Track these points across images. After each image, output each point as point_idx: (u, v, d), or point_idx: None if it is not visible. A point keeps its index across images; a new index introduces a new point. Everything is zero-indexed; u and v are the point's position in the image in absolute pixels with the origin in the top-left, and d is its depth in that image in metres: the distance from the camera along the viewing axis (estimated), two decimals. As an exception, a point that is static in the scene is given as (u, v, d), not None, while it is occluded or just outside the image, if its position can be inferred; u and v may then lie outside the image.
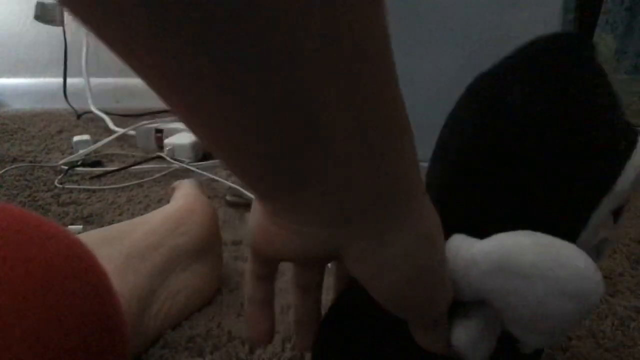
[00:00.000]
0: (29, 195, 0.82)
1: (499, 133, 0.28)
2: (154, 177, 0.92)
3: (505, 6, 0.94)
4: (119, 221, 0.71)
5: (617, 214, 0.29)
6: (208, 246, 0.53)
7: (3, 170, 0.92)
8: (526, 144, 0.27)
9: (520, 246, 0.25)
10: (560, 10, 0.91)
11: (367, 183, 0.21)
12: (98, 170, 0.94)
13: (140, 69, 0.17)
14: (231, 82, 0.16)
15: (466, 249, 0.26)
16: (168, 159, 0.97)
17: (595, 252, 0.29)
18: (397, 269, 0.23)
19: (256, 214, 0.26)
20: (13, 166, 0.95)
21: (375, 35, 0.18)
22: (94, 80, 1.39)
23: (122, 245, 0.45)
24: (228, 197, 0.80)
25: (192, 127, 0.19)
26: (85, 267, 0.32)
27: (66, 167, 0.94)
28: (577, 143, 0.27)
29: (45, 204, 0.79)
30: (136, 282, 0.43)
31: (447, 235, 0.27)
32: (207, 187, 0.86)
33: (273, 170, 0.20)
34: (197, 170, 0.91)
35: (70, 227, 0.70)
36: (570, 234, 0.27)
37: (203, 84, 0.16)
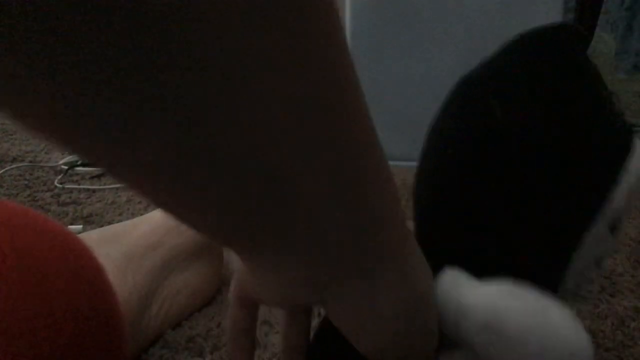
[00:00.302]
0: (29, 195, 0.82)
1: (486, 150, 0.27)
2: (154, 177, 0.91)
3: (505, 6, 0.94)
4: (118, 221, 0.71)
5: (614, 227, 0.28)
6: (208, 246, 0.53)
7: (3, 170, 0.92)
8: (512, 160, 0.26)
9: (509, 310, 0.24)
10: (561, 10, 0.91)
11: (346, 247, 0.19)
12: (98, 170, 0.94)
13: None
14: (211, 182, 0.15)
15: (456, 298, 0.25)
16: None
17: (595, 265, 0.29)
18: (382, 330, 0.22)
19: (241, 268, 0.25)
20: (13, 166, 0.95)
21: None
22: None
23: (122, 245, 0.45)
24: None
25: (148, 198, 0.17)
26: (81, 262, 0.32)
27: (66, 167, 0.94)
28: (566, 158, 0.26)
29: (45, 203, 0.79)
30: (136, 282, 0.43)
31: (436, 255, 0.26)
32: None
33: (243, 236, 0.19)
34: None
35: (70, 227, 0.70)
36: (563, 254, 0.27)
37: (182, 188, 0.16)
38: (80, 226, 0.71)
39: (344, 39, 0.16)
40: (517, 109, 0.26)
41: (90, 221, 0.74)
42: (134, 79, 0.12)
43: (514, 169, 0.26)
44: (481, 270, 0.27)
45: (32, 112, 0.13)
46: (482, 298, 0.25)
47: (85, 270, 0.31)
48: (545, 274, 0.28)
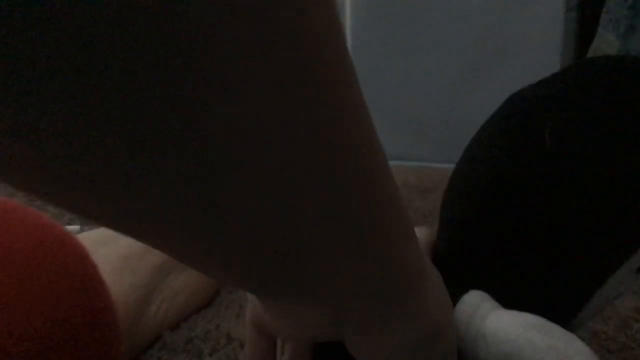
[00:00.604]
0: (28, 195, 0.82)
1: (530, 175, 0.26)
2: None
3: (505, 6, 0.94)
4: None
5: (638, 269, 0.28)
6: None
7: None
8: (553, 191, 0.26)
9: (532, 346, 0.24)
10: (562, 9, 0.90)
11: (367, 289, 0.19)
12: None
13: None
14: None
15: (479, 321, 0.25)
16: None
17: (613, 299, 0.29)
18: (401, 358, 0.22)
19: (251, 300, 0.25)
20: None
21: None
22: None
23: (120, 245, 0.45)
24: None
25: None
26: (72, 261, 0.31)
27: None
28: (609, 198, 0.25)
29: (43, 203, 0.79)
30: (134, 283, 0.43)
31: (460, 273, 0.26)
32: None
33: (256, 283, 0.19)
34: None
35: (68, 227, 0.70)
36: (587, 291, 0.27)
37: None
38: (78, 226, 0.71)
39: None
40: (568, 139, 0.25)
41: (88, 222, 0.73)
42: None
43: (554, 201, 0.26)
44: (504, 294, 0.26)
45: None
46: (507, 327, 0.25)
47: (77, 268, 0.31)
48: (565, 306, 0.28)
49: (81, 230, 0.69)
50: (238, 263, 0.16)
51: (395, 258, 0.19)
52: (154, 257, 0.47)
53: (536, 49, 0.91)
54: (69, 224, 0.72)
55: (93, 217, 0.14)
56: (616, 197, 0.25)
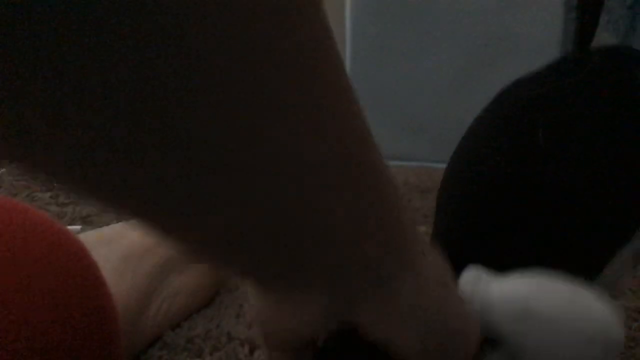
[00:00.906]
0: (28, 195, 0.82)
1: (523, 171, 0.26)
2: (154, 177, 0.91)
3: (505, 6, 0.94)
4: (117, 221, 0.71)
5: (638, 256, 0.28)
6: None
7: (1, 171, 0.92)
8: (545, 185, 0.26)
9: (538, 298, 0.24)
10: (562, 9, 0.90)
11: (366, 262, 0.19)
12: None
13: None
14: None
15: (483, 289, 0.25)
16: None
17: (610, 287, 0.29)
18: (412, 337, 0.22)
19: (255, 300, 0.24)
20: (12, 166, 0.94)
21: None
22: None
23: (121, 245, 0.45)
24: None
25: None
26: (73, 260, 0.31)
27: (65, 167, 0.94)
28: (601, 192, 0.26)
29: (44, 204, 0.79)
30: (134, 283, 0.43)
31: (458, 261, 0.26)
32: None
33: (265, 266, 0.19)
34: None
35: (68, 227, 0.70)
36: (586, 278, 0.27)
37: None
38: (79, 227, 0.71)
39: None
40: (561, 138, 0.26)
41: (88, 222, 0.73)
42: None
43: (546, 194, 0.26)
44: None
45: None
46: (510, 290, 0.25)
47: (77, 268, 0.31)
48: None
49: (82, 231, 0.69)
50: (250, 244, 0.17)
51: (397, 226, 0.20)
52: (155, 257, 0.47)
53: (536, 49, 0.91)
54: (70, 224, 0.72)
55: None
56: (609, 195, 0.26)
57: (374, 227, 0.19)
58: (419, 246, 0.22)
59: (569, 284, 0.25)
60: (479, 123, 0.29)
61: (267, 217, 0.15)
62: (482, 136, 0.29)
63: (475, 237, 0.28)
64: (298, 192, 0.15)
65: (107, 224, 0.69)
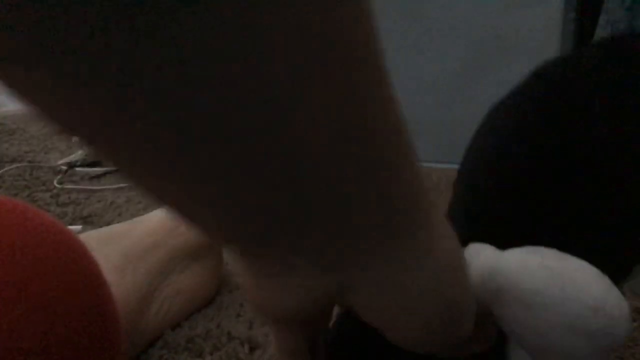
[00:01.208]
0: (28, 196, 0.82)
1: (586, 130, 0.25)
2: (154, 177, 0.91)
3: (505, 6, 0.94)
4: (118, 221, 0.71)
5: None
6: (208, 246, 0.53)
7: (2, 171, 0.92)
8: (572, 174, 0.25)
9: (526, 269, 0.22)
10: (562, 9, 0.91)
11: (371, 222, 0.18)
12: (97, 170, 0.94)
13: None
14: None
15: (481, 264, 0.23)
16: (168, 159, 0.96)
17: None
18: (412, 314, 0.20)
19: (244, 274, 0.23)
20: (12, 166, 0.95)
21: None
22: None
23: (122, 245, 0.45)
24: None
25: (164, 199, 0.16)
26: (75, 259, 0.31)
27: (65, 167, 0.94)
28: (626, 183, 0.24)
29: (45, 204, 0.79)
30: (135, 282, 0.43)
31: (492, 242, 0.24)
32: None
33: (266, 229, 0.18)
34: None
35: (69, 227, 0.70)
36: (619, 273, 0.26)
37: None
38: (80, 226, 0.71)
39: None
40: (616, 106, 0.25)
41: (89, 222, 0.73)
42: None
43: (576, 182, 0.25)
44: None
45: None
46: (499, 260, 0.23)
47: (78, 268, 0.31)
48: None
49: (82, 231, 0.69)
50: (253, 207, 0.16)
51: (402, 188, 0.18)
52: (156, 257, 0.47)
53: (536, 49, 0.91)
54: (71, 224, 0.72)
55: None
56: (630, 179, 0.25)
57: (388, 188, 0.18)
58: (431, 206, 0.21)
59: (562, 258, 0.22)
60: (512, 101, 0.28)
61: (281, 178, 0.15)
62: (524, 109, 0.27)
63: (519, 214, 0.27)
64: (317, 164, 0.15)
65: (108, 224, 0.69)
